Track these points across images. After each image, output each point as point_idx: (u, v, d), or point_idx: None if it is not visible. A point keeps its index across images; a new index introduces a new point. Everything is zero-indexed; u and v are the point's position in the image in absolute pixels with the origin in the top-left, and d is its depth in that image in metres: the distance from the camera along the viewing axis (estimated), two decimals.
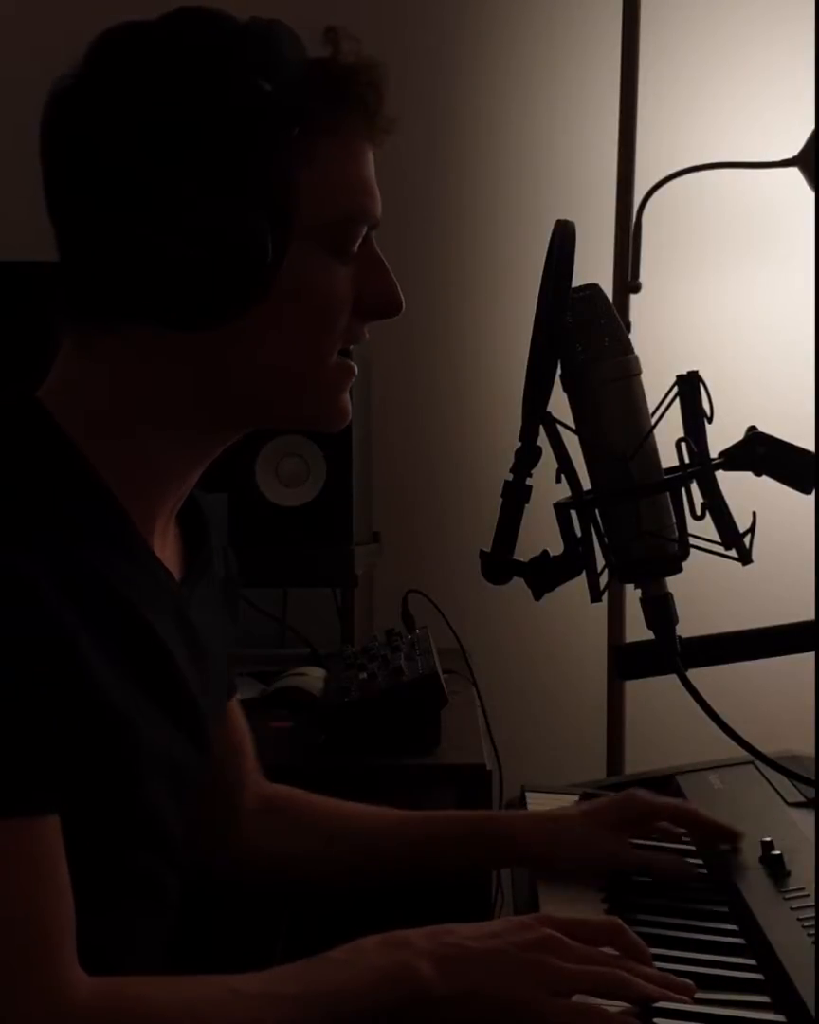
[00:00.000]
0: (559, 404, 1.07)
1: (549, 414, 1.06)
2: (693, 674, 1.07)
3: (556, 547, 1.07)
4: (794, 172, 2.05)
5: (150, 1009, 0.88)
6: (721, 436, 1.08)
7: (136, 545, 1.01)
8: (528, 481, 1.06)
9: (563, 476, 1.07)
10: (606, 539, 1.07)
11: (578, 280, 1.05)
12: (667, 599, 1.08)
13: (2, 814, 0.85)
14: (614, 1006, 0.92)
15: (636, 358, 1.07)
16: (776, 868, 1.16)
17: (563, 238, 1.04)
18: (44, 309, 1.01)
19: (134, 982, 0.91)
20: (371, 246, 1.04)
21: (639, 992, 0.93)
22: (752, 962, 1.03)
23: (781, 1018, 0.94)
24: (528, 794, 1.47)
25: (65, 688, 0.89)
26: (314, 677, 1.86)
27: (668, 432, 1.07)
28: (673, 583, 1.08)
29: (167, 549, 1.09)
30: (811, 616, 1.13)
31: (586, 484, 1.08)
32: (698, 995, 0.95)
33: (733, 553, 1.07)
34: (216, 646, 1.14)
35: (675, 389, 1.07)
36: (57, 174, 0.98)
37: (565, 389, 1.07)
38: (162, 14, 0.98)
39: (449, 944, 0.95)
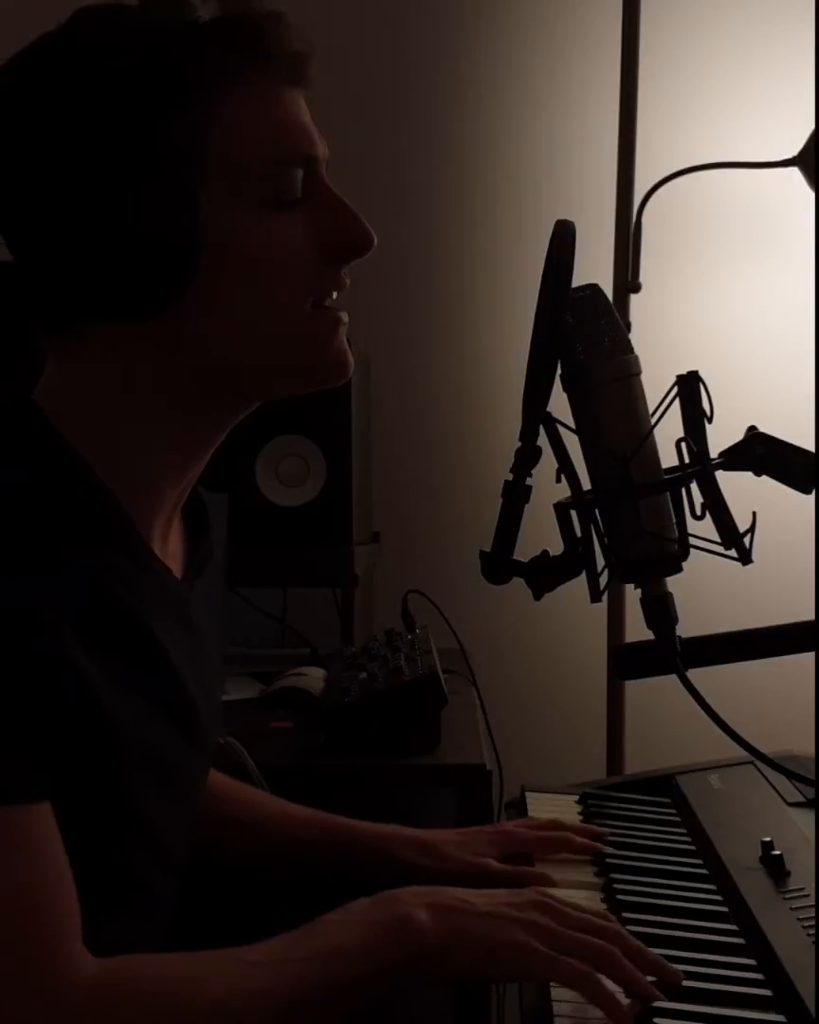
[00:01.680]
0: (559, 404, 1.07)
1: (549, 414, 1.06)
2: (693, 674, 1.07)
3: (556, 547, 1.07)
4: (794, 172, 2.05)
5: (155, 981, 0.89)
6: (721, 436, 1.08)
7: (136, 545, 1.01)
8: (528, 481, 1.06)
9: (563, 476, 1.07)
10: (606, 539, 1.07)
11: (578, 280, 1.05)
12: (667, 599, 1.08)
13: (1, 802, 0.86)
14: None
15: (636, 358, 1.07)
16: (776, 868, 1.16)
17: (563, 238, 1.03)
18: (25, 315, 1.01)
19: (138, 959, 0.92)
20: (323, 186, 1.01)
21: (627, 973, 0.93)
22: (752, 962, 1.03)
23: (781, 1018, 0.94)
24: (528, 794, 1.47)
25: (57, 687, 0.89)
26: (314, 677, 1.86)
27: (668, 432, 1.07)
28: (673, 583, 1.08)
29: (170, 546, 1.09)
30: (811, 616, 1.13)
31: (586, 484, 1.08)
32: (698, 995, 0.95)
33: (733, 553, 1.07)
34: (210, 641, 1.14)
35: (675, 389, 1.07)
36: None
37: (565, 389, 1.07)
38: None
39: (443, 894, 0.97)
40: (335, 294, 1.03)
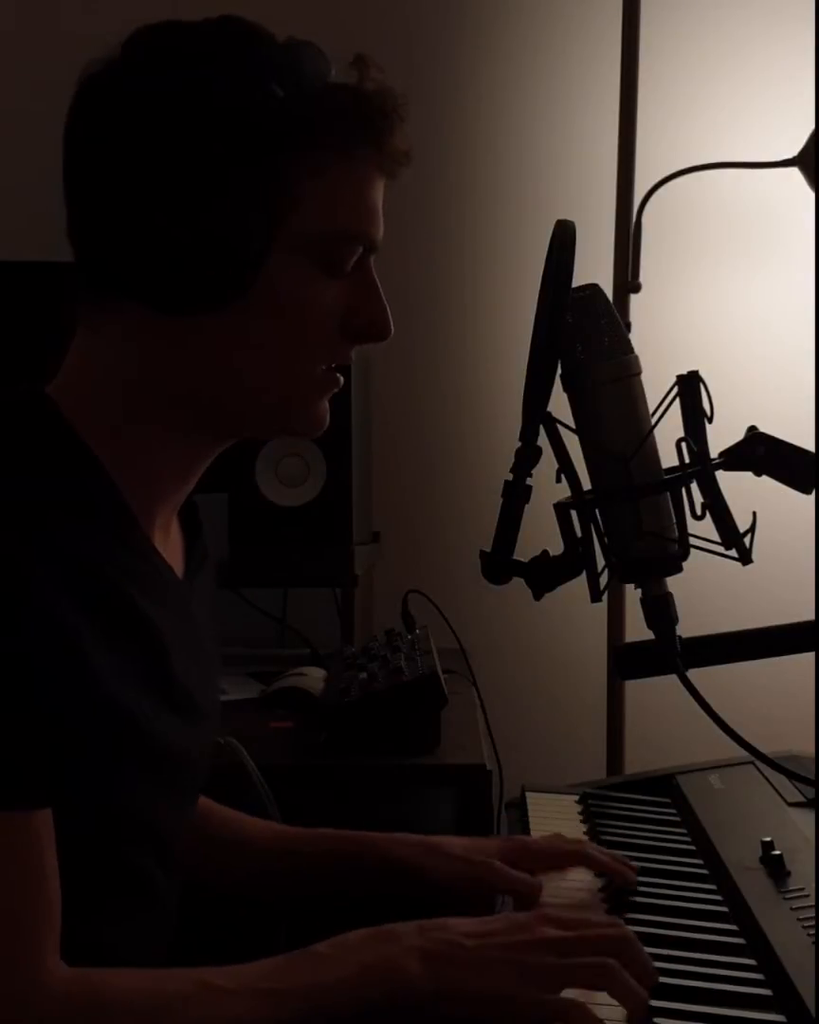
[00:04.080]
0: (559, 404, 1.07)
1: (549, 414, 1.06)
2: (693, 674, 1.07)
3: (556, 547, 1.07)
4: (794, 172, 2.05)
5: (119, 998, 0.89)
6: (721, 436, 1.08)
7: (137, 538, 1.02)
8: (528, 481, 1.06)
9: (563, 476, 1.07)
10: (606, 539, 1.07)
11: (578, 280, 1.05)
12: (667, 599, 1.08)
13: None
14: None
15: (636, 358, 1.07)
16: (776, 868, 1.16)
17: (563, 238, 1.04)
18: (59, 306, 1.03)
19: (110, 974, 0.91)
20: (367, 269, 1.05)
21: (624, 985, 0.91)
22: (752, 962, 1.03)
23: (781, 1018, 0.94)
24: (528, 794, 1.47)
25: (59, 680, 0.90)
26: (314, 677, 1.86)
27: (668, 432, 1.07)
28: (673, 583, 1.08)
29: (170, 545, 1.09)
30: (811, 616, 1.13)
31: (586, 484, 1.08)
32: (698, 995, 0.95)
33: (733, 553, 1.07)
34: (210, 639, 1.15)
35: (675, 389, 1.07)
36: (75, 149, 1.01)
37: (565, 389, 1.07)
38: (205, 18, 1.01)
39: (440, 940, 0.94)
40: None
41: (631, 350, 1.07)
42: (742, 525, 1.07)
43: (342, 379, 1.07)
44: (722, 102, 2.40)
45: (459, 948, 0.93)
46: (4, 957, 0.86)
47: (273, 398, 1.04)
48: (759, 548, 1.07)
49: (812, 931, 1.04)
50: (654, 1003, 0.93)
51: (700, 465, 1.06)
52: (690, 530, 1.06)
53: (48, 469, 0.97)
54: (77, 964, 0.90)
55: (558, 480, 1.07)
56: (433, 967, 0.92)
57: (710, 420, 1.07)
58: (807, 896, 1.10)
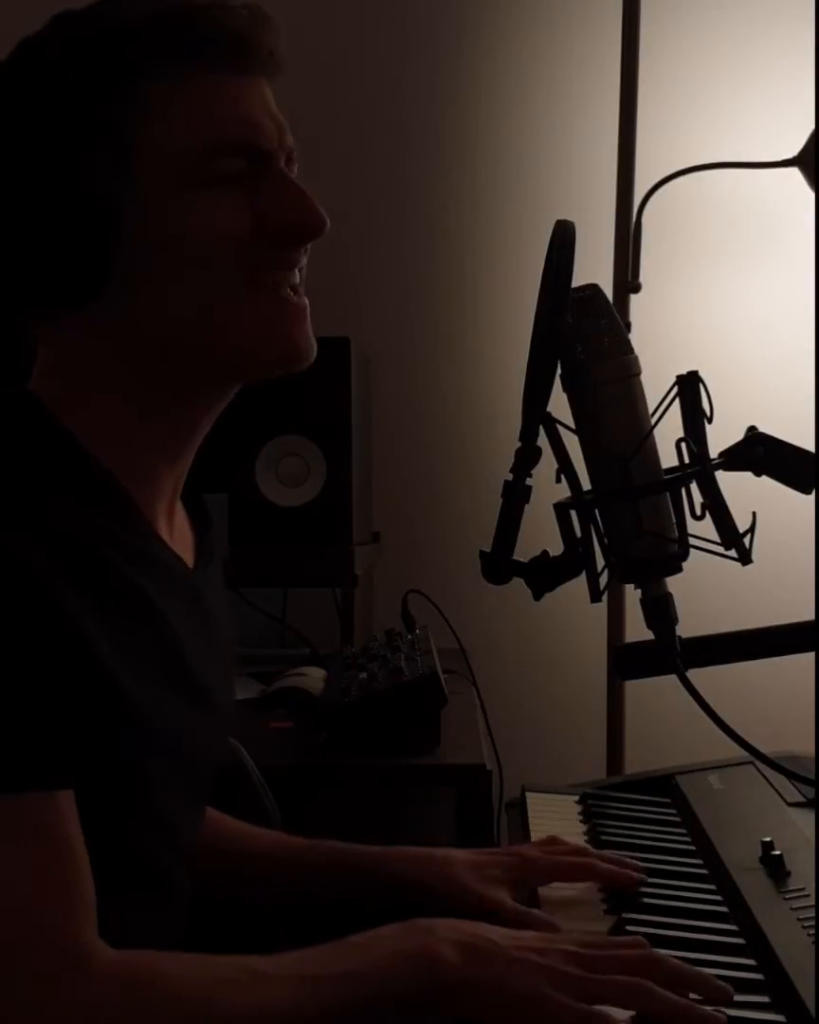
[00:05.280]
0: (559, 404, 1.07)
1: (549, 414, 1.06)
2: (693, 674, 1.07)
3: (556, 547, 1.07)
4: (794, 172, 2.05)
5: (168, 983, 0.88)
6: (721, 436, 1.08)
7: (141, 528, 1.02)
8: (528, 481, 1.06)
9: (563, 476, 1.07)
10: (606, 539, 1.07)
11: (578, 280, 1.05)
12: (667, 599, 1.08)
13: (21, 788, 0.87)
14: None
15: (636, 358, 1.07)
16: (776, 868, 1.16)
17: (563, 238, 1.03)
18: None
19: (154, 956, 0.91)
20: (270, 170, 1.01)
21: (666, 1003, 0.90)
22: (752, 962, 1.03)
23: (781, 1018, 0.94)
24: (528, 794, 1.47)
25: (72, 671, 0.90)
26: (314, 677, 1.86)
27: (668, 432, 1.07)
28: (673, 583, 1.08)
29: (176, 534, 1.09)
30: (811, 616, 1.13)
31: (586, 484, 1.08)
32: (697, 996, 0.95)
33: (733, 553, 1.07)
34: (224, 630, 1.15)
35: (675, 389, 1.07)
36: None
37: (565, 389, 1.07)
38: None
39: (474, 934, 0.95)
40: (297, 277, 1.03)
41: (631, 350, 1.07)
42: (742, 525, 1.07)
43: (299, 300, 1.02)
44: (722, 102, 2.41)
45: (493, 944, 0.94)
46: (50, 939, 0.86)
47: (224, 332, 1.00)
48: (759, 548, 1.07)
49: (812, 931, 1.04)
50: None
51: (700, 465, 1.06)
52: (690, 530, 1.06)
53: (43, 462, 0.97)
54: None
55: (558, 480, 1.07)
56: (467, 957, 0.92)
57: (710, 420, 1.07)
58: (807, 896, 1.10)
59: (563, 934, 0.99)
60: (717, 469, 1.07)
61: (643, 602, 1.08)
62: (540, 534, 1.10)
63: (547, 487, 1.07)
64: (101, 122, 0.96)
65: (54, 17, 1.00)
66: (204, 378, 1.04)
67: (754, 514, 1.06)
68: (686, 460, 1.07)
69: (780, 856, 1.17)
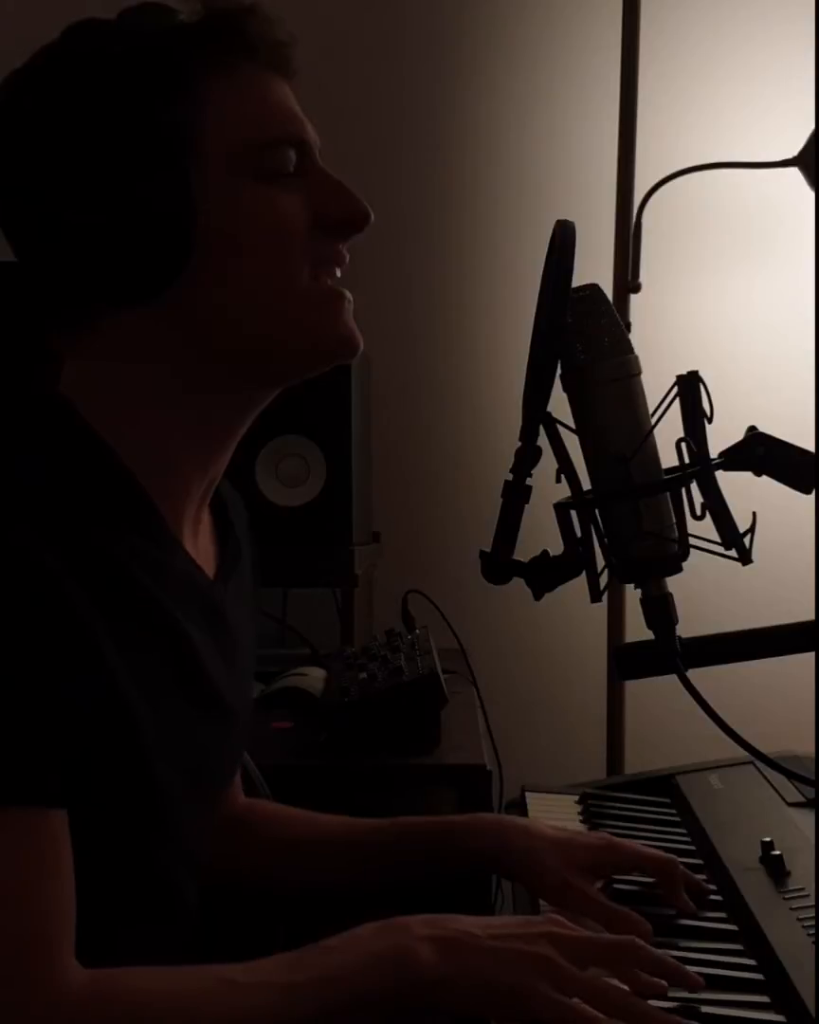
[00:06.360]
0: (559, 404, 1.07)
1: (549, 414, 1.06)
2: (693, 674, 1.07)
3: (556, 547, 1.07)
4: (794, 172, 2.05)
5: (141, 999, 0.88)
6: (721, 436, 1.08)
7: (164, 537, 1.01)
8: (528, 481, 1.06)
9: (563, 476, 1.07)
10: (606, 539, 1.07)
11: (578, 280, 1.05)
12: (667, 599, 1.07)
13: (5, 802, 0.86)
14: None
15: (636, 358, 1.07)
16: (776, 868, 1.16)
17: (563, 238, 1.03)
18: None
19: (127, 973, 0.90)
20: (315, 165, 1.04)
21: (645, 1015, 0.90)
22: (752, 962, 1.03)
23: (781, 1018, 0.94)
24: (528, 794, 1.47)
25: (79, 680, 0.89)
26: (314, 677, 1.86)
27: (668, 432, 1.07)
28: (673, 583, 1.08)
29: (200, 542, 1.09)
30: (811, 616, 1.13)
31: (586, 484, 1.08)
32: (699, 995, 0.95)
33: (733, 553, 1.07)
34: (245, 640, 1.14)
35: (675, 389, 1.07)
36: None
37: (565, 389, 1.07)
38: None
39: (451, 929, 0.94)
40: (338, 272, 1.05)
41: (631, 350, 1.07)
42: (742, 525, 1.07)
43: (348, 293, 1.04)
44: (722, 102, 2.40)
45: (471, 937, 0.93)
46: (20, 957, 0.85)
47: (280, 324, 1.01)
48: (759, 548, 1.07)
49: (812, 931, 1.04)
50: (654, 1003, 0.92)
51: (700, 465, 1.06)
52: (690, 530, 1.06)
53: (69, 468, 0.97)
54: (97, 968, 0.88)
55: (558, 480, 1.07)
56: (444, 954, 0.91)
57: (710, 420, 1.07)
58: (807, 896, 1.10)
59: (549, 917, 0.98)
60: (717, 469, 1.07)
61: (643, 602, 1.08)
62: (540, 534, 1.10)
63: (547, 487, 1.07)
64: (166, 119, 0.97)
65: (118, 14, 1.02)
66: (258, 373, 1.04)
67: (754, 514, 1.06)
68: (686, 460, 1.07)
69: (780, 856, 1.17)
